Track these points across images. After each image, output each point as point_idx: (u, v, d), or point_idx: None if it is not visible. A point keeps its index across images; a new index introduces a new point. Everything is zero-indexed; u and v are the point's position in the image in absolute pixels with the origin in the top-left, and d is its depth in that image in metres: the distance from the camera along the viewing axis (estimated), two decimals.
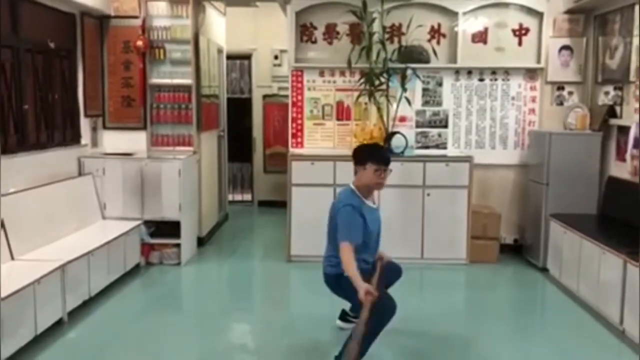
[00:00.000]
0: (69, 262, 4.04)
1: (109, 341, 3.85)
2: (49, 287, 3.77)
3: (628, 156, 4.79)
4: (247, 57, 8.51)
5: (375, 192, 3.78)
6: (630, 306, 3.83)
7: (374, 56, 5.54)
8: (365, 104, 5.78)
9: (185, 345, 3.82)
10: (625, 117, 5.09)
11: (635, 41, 4.82)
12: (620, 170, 5.03)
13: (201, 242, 6.14)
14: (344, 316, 4.01)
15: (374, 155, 3.56)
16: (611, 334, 3.98)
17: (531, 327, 4.32)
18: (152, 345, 3.81)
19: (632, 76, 4.90)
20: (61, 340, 3.79)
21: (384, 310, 3.19)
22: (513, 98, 5.86)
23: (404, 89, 5.59)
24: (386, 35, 5.72)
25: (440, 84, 5.87)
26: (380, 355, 3.47)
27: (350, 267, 3.20)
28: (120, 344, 3.83)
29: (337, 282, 3.48)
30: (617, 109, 5.22)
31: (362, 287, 3.06)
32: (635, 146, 4.70)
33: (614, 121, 5.23)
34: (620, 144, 5.10)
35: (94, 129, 5.68)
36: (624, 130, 5.00)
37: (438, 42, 5.81)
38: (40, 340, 3.66)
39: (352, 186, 3.57)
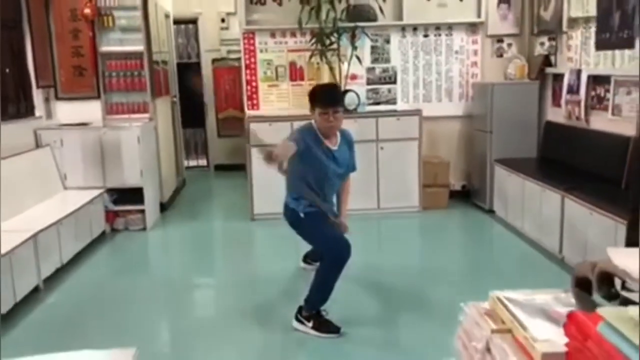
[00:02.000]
0: (40, 231, 4.12)
1: (85, 304, 4.00)
2: (24, 256, 3.85)
3: (563, 102, 5.22)
4: (193, 21, 8.47)
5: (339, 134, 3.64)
6: (568, 236, 4.26)
7: (323, 16, 5.68)
8: (318, 63, 5.94)
9: (157, 304, 4.02)
10: (559, 65, 5.48)
11: None
12: (556, 115, 5.45)
13: (163, 207, 6.25)
14: (305, 258, 4.27)
15: (318, 98, 3.45)
16: (552, 262, 4.42)
17: (480, 262, 4.74)
18: (125, 306, 3.96)
19: (565, 26, 5.27)
20: (40, 306, 3.90)
21: (342, 253, 3.33)
22: (456, 52, 6.16)
23: (354, 48, 5.79)
24: None
25: (388, 42, 6.10)
26: (346, 296, 3.76)
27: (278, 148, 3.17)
28: (96, 306, 3.98)
29: (296, 221, 3.52)
30: (552, 58, 5.61)
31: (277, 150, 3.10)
32: (569, 92, 5.11)
33: (549, 70, 5.62)
34: (556, 91, 5.51)
35: (47, 100, 5.64)
36: (558, 77, 5.40)
37: (384, 0, 6.00)
38: (19, 307, 3.76)
39: (313, 123, 3.50)
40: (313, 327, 3.37)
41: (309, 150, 3.39)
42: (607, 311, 1.01)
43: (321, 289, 3.40)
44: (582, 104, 4.90)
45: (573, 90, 5.03)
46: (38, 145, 5.33)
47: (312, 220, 3.48)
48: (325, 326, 3.37)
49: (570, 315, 1.07)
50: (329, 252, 3.40)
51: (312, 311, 3.40)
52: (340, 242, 3.40)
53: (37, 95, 5.44)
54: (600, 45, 4.67)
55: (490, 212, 5.74)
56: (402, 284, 4.18)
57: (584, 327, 1.01)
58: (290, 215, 3.55)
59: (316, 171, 3.47)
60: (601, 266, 1.21)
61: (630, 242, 3.25)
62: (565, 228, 4.30)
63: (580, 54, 5.05)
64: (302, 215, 3.47)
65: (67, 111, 5.78)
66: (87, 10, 5.56)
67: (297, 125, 5.40)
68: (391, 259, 4.70)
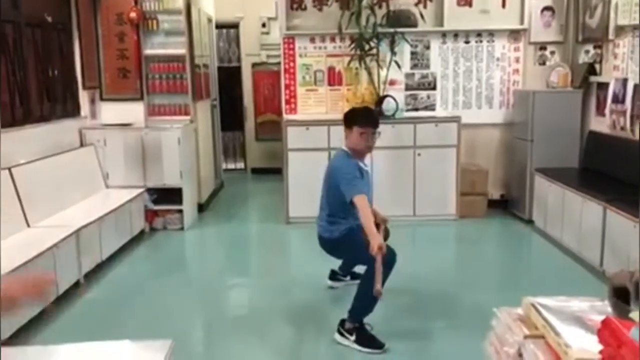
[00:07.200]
0: (83, 227, 4.24)
1: (123, 300, 4.10)
2: (66, 251, 3.97)
3: (607, 111, 5.08)
4: (235, 25, 8.59)
5: (368, 155, 3.77)
6: (609, 248, 4.14)
7: (363, 21, 5.68)
8: (356, 68, 5.95)
9: (193, 302, 4.09)
10: (604, 74, 5.35)
11: (613, 0, 5.04)
12: (600, 124, 5.31)
13: (201, 208, 6.35)
14: (333, 276, 4.21)
15: (359, 118, 3.55)
16: (593, 276, 4.30)
17: (517, 272, 4.66)
18: (162, 303, 4.05)
19: (611, 34, 5.13)
20: (80, 300, 4.02)
21: (387, 263, 3.27)
22: (498, 59, 6.08)
23: (394, 53, 5.77)
24: (374, 0, 5.86)
25: (428, 47, 6.06)
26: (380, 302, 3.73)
27: (369, 220, 3.22)
28: (134, 302, 4.07)
29: (334, 247, 3.59)
30: (597, 66, 5.48)
31: (377, 240, 3.10)
32: (614, 101, 4.98)
33: (593, 78, 5.49)
34: (600, 100, 5.37)
35: (92, 101, 5.81)
36: (603, 86, 5.26)
37: (425, 6, 5.98)
38: (61, 300, 3.88)
39: (345, 148, 3.57)
40: (356, 342, 3.28)
41: (362, 177, 3.50)
42: None
43: (366, 299, 3.28)
44: (628, 113, 4.76)
45: (618, 99, 4.90)
46: (82, 144, 5.50)
47: (353, 234, 3.43)
48: (370, 341, 3.27)
49: (604, 322, 1.05)
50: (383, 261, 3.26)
51: (356, 323, 3.32)
52: (387, 249, 3.33)
53: (83, 96, 5.62)
54: None
55: (529, 222, 5.62)
56: (437, 291, 4.14)
57: (618, 333, 0.99)
58: (330, 236, 3.55)
59: (367, 194, 3.48)
60: (639, 275, 1.18)
61: None
62: (606, 240, 4.18)
63: (627, 63, 4.91)
64: (340, 234, 3.50)
65: (111, 112, 5.94)
66: (132, 14, 5.71)
67: (333, 130, 5.52)
68: (427, 267, 4.65)
